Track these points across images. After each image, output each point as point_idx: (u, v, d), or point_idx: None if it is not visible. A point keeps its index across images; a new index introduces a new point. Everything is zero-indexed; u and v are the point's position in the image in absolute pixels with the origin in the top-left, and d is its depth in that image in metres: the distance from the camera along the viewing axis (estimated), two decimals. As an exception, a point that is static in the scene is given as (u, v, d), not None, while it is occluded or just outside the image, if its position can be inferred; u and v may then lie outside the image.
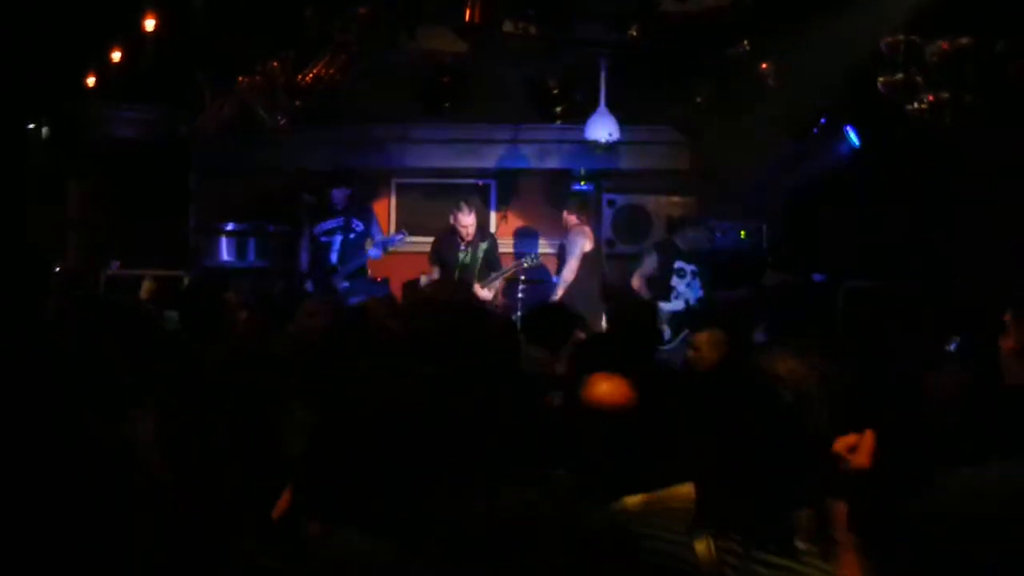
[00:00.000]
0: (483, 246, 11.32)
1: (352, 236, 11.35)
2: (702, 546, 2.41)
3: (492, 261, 11.34)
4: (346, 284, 11.25)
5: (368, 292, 10.99)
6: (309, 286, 11.49)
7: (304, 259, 11.77)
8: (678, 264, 10.92)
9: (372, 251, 11.30)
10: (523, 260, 11.34)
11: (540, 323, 6.65)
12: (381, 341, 5.19)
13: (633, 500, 2.80)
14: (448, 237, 11.39)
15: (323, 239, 11.43)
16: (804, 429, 2.36)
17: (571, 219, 11.42)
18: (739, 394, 2.45)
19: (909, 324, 8.05)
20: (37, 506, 2.74)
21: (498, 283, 11.30)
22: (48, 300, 8.71)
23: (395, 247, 11.52)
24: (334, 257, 11.33)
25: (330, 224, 11.44)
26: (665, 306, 10.77)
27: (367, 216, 11.59)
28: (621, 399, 3.55)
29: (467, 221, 11.20)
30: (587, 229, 11.46)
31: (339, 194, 11.50)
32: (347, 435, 2.77)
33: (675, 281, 10.90)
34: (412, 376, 3.81)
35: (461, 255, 11.27)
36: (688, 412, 2.67)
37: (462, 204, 11.28)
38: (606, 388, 3.58)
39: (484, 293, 10.96)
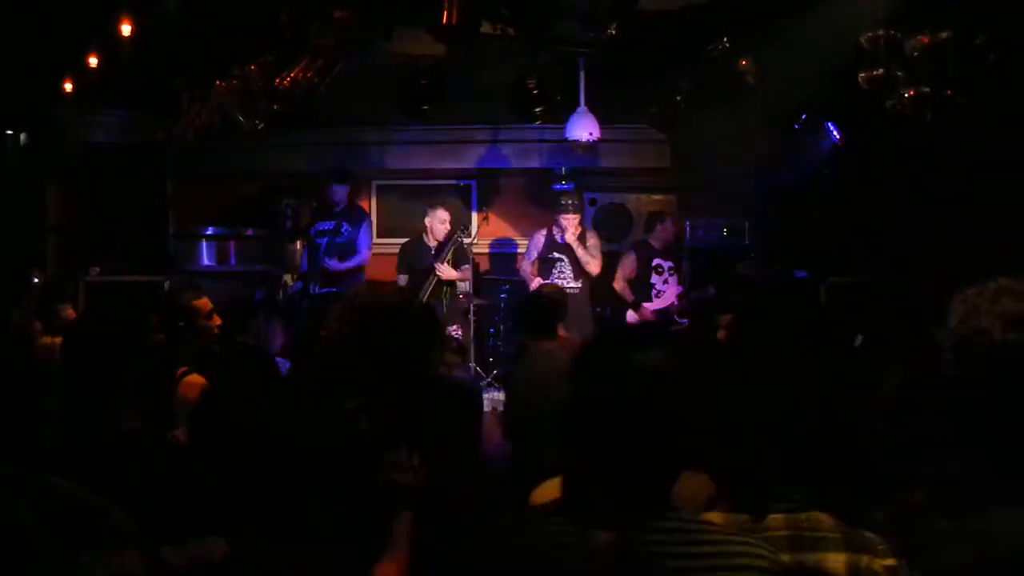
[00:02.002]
0: (448, 246, 11.39)
1: (339, 240, 11.32)
2: None
3: (460, 261, 11.36)
4: (334, 289, 11.22)
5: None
6: (297, 286, 11.50)
7: (304, 261, 11.74)
8: (655, 261, 10.98)
9: (330, 262, 11.27)
10: (457, 235, 11.33)
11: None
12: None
13: (776, 520, 2.75)
14: (416, 243, 11.46)
15: (317, 240, 11.44)
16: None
17: (573, 220, 11.14)
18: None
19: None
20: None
21: (467, 266, 11.48)
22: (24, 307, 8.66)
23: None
24: (320, 257, 11.31)
25: (324, 225, 11.45)
26: (648, 306, 10.84)
27: (359, 220, 11.54)
28: None
29: (444, 216, 11.41)
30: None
31: (340, 190, 11.49)
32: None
33: (654, 279, 10.95)
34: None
35: (431, 257, 11.31)
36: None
37: (438, 206, 11.52)
38: None
39: (447, 270, 11.29)
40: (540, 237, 11.29)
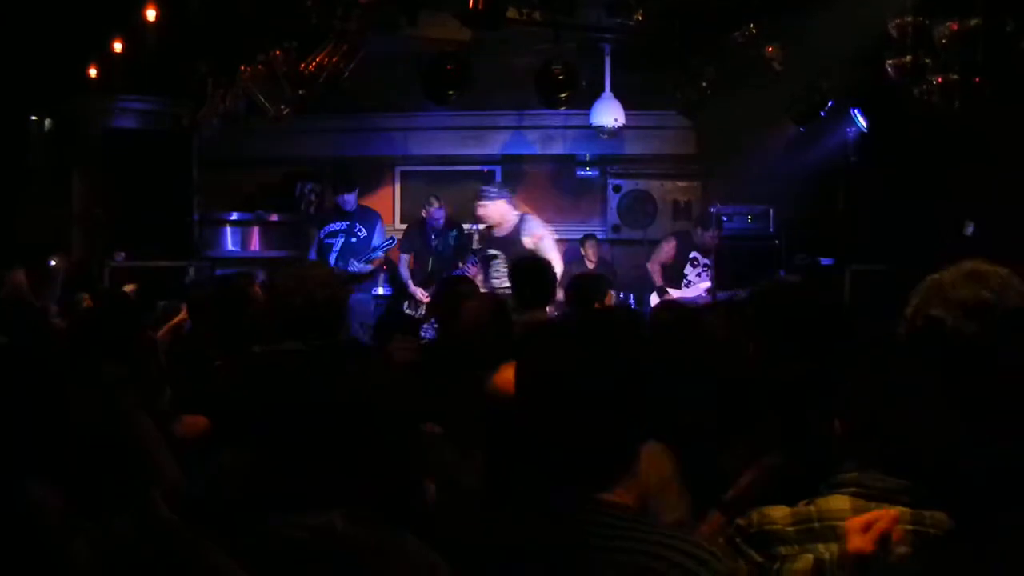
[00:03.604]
0: (453, 234, 11.32)
1: (353, 240, 11.27)
2: None
3: (463, 248, 11.27)
4: None
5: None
6: None
7: (311, 258, 11.66)
8: (693, 254, 10.95)
9: (357, 266, 11.20)
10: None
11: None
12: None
13: (781, 513, 2.70)
14: (419, 227, 11.39)
15: (327, 241, 11.36)
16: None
17: (487, 209, 10.33)
18: None
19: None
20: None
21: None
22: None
23: (386, 250, 11.42)
24: (332, 258, 11.24)
25: (335, 226, 11.38)
26: (674, 292, 10.82)
27: (372, 222, 11.49)
28: None
29: (438, 215, 11.24)
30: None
31: (350, 198, 11.39)
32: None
33: (688, 269, 10.94)
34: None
35: (434, 243, 11.25)
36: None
37: (432, 199, 11.35)
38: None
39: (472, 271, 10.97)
40: (481, 231, 10.69)
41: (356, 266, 11.11)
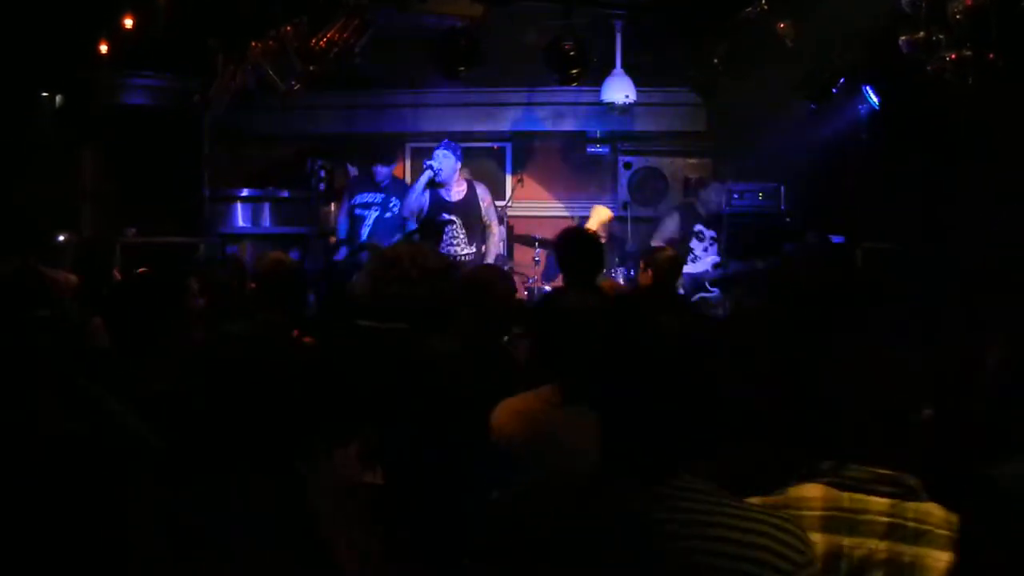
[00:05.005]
0: None
1: (388, 216, 11.14)
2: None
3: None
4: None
5: None
6: (342, 252, 11.27)
7: (341, 228, 11.47)
8: (697, 227, 10.88)
9: (396, 238, 11.06)
10: None
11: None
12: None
13: (879, 504, 2.67)
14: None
15: (358, 211, 11.22)
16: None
17: (458, 166, 10.50)
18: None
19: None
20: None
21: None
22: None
23: None
24: (364, 232, 11.12)
25: (368, 197, 11.20)
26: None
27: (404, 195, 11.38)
28: None
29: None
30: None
31: (383, 170, 11.28)
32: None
33: (694, 244, 10.86)
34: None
35: None
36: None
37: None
38: None
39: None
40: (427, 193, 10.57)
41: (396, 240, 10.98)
